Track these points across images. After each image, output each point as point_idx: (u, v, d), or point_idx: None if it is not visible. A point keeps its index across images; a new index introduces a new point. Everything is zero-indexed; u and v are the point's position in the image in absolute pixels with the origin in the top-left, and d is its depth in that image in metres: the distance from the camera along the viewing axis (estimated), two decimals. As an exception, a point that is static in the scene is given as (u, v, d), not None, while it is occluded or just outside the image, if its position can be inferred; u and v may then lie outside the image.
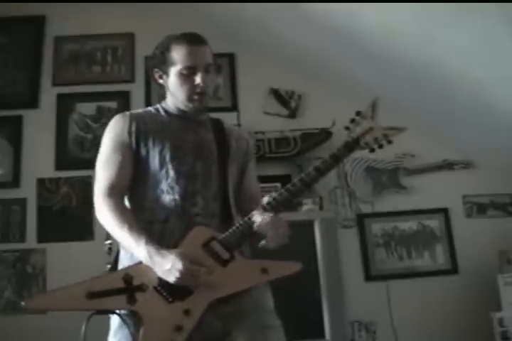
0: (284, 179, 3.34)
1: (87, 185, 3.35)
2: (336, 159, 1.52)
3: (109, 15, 3.67)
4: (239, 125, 3.44)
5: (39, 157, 3.46)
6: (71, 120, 3.55)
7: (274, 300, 1.60)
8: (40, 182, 3.41)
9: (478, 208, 3.50)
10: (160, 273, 1.43)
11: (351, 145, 1.53)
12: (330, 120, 3.33)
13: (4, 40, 3.66)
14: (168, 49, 1.61)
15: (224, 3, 3.23)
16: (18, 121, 3.51)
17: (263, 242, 1.48)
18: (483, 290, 3.21)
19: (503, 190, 3.50)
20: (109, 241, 2.85)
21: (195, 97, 1.61)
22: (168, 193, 1.55)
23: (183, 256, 1.42)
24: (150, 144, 1.59)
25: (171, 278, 1.41)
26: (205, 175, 1.59)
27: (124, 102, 3.57)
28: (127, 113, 1.66)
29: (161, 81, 1.67)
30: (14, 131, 3.49)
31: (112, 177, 1.56)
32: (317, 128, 3.44)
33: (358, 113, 1.54)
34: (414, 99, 3.32)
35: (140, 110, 1.71)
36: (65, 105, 3.57)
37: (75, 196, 3.39)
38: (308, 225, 2.99)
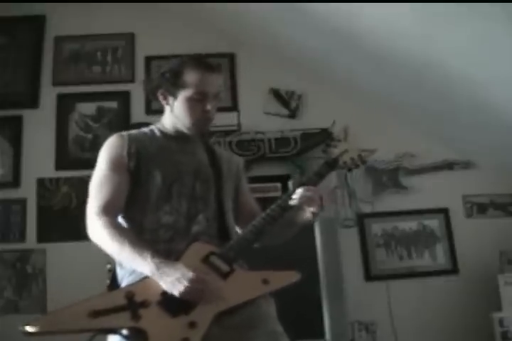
0: (284, 179, 3.34)
1: (87, 185, 3.34)
2: (321, 176, 1.65)
3: (109, 15, 3.68)
4: (239, 125, 3.44)
5: (39, 157, 3.46)
6: (71, 120, 3.55)
7: (273, 299, 1.60)
8: (40, 182, 3.42)
9: (478, 208, 3.50)
10: (167, 285, 1.39)
11: (331, 164, 1.68)
12: (330, 120, 3.33)
13: (4, 40, 3.66)
14: (180, 72, 1.60)
15: (224, 3, 3.23)
16: (18, 121, 3.51)
17: (307, 215, 1.63)
18: (483, 290, 3.21)
19: (503, 190, 3.50)
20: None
21: (200, 123, 1.62)
22: (171, 214, 1.55)
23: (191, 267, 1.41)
24: (151, 167, 1.58)
25: (180, 288, 1.37)
26: (204, 195, 1.61)
27: (124, 102, 3.58)
28: (125, 134, 1.64)
29: (164, 102, 1.65)
30: (14, 131, 3.50)
31: (107, 197, 1.54)
32: (317, 128, 3.43)
33: (332, 138, 1.77)
34: (414, 99, 3.32)
35: (135, 131, 1.69)
36: (65, 105, 3.57)
37: (75, 196, 3.39)
38: (308, 225, 2.97)
